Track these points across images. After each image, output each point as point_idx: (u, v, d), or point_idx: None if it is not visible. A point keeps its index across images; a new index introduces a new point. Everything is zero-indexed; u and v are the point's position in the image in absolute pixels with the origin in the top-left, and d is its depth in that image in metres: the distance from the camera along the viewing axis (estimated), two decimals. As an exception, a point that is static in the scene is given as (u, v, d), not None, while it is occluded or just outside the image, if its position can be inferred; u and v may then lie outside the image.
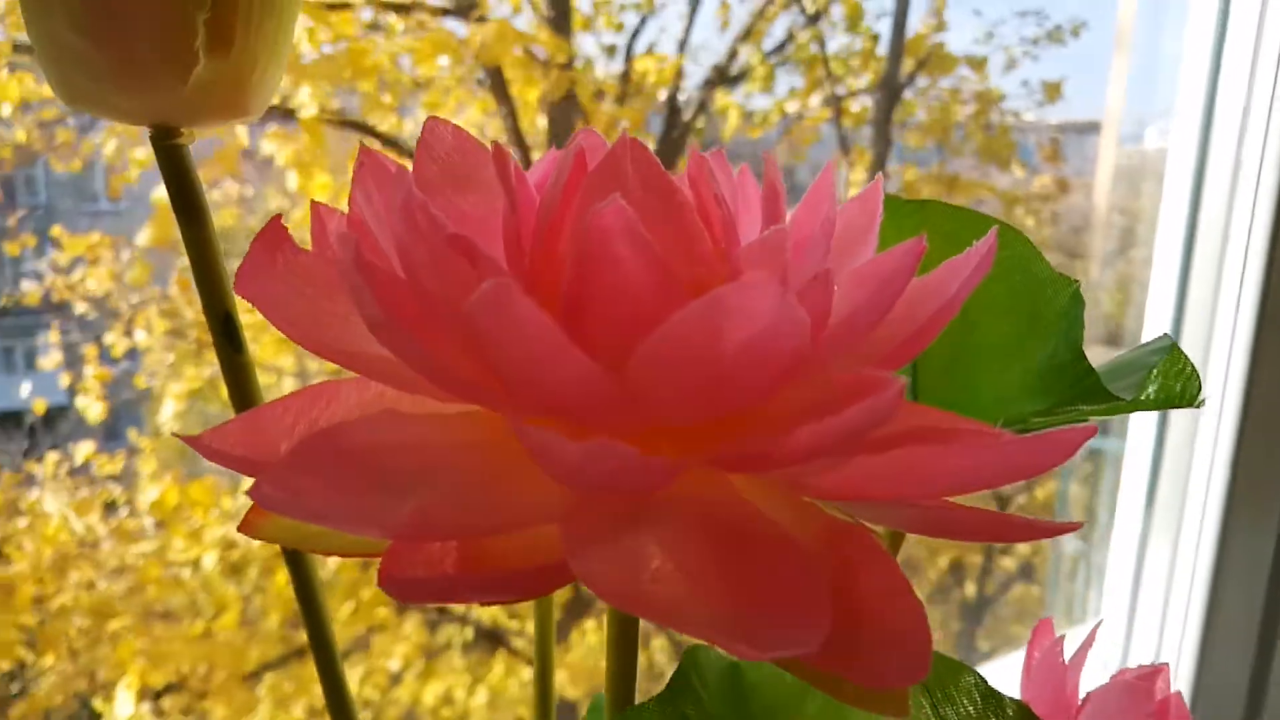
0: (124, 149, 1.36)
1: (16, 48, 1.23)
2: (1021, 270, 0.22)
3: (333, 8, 1.31)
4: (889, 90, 1.91)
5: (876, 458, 0.14)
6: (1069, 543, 1.19)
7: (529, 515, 0.14)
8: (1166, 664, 0.25)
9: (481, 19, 1.42)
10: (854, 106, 1.94)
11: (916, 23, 1.86)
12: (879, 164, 1.94)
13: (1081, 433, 0.14)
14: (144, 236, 1.48)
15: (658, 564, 0.13)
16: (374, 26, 1.42)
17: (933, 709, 0.21)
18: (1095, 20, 1.72)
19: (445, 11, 1.42)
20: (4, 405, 1.69)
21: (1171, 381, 0.22)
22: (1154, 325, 0.72)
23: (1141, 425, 0.74)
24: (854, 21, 1.81)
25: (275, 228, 0.17)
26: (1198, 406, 0.22)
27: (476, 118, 1.59)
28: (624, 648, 0.19)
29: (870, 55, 1.85)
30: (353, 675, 1.57)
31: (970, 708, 0.21)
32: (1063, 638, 0.24)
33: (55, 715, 1.35)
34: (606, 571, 0.13)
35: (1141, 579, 0.72)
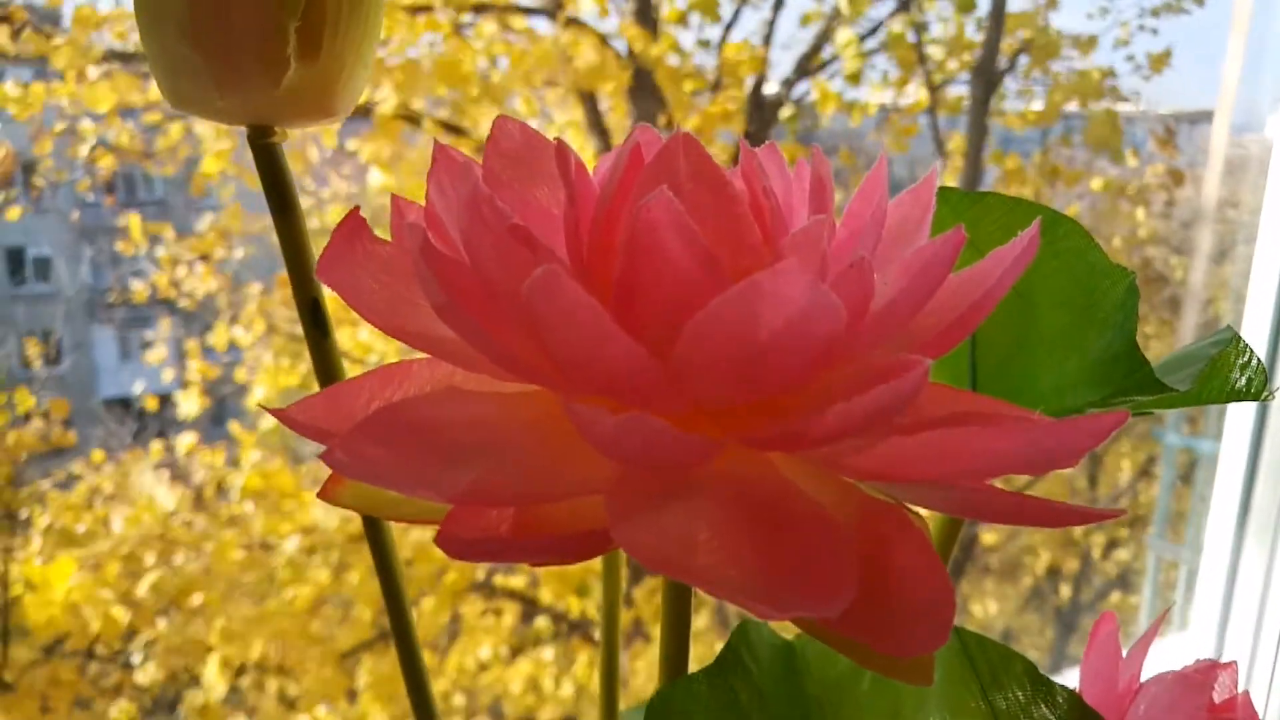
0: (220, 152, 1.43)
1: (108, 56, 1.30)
2: (1079, 261, 0.22)
3: (415, 10, 1.34)
4: (986, 77, 1.86)
5: (909, 439, 0.15)
6: (1166, 548, 1.15)
7: (578, 486, 0.15)
8: (1234, 661, 0.25)
9: (570, 21, 1.44)
10: (950, 94, 1.89)
11: (1019, 3, 1.78)
12: (975, 153, 1.90)
13: (1112, 419, 0.15)
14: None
15: (694, 533, 0.14)
16: (459, 27, 1.45)
17: (982, 695, 0.22)
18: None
19: (531, 11, 1.44)
20: (118, 392, 1.79)
21: (1236, 374, 0.22)
22: (1253, 325, 0.69)
23: (1237, 425, 0.72)
24: (956, 4, 1.75)
25: (354, 219, 0.18)
26: (1265, 400, 0.22)
27: (579, 115, 1.62)
28: (678, 620, 0.20)
29: (965, 42, 1.80)
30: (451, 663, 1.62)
31: (1020, 694, 0.22)
32: (1117, 628, 0.24)
33: (161, 690, 1.43)
34: (644, 538, 0.14)
35: (1235, 585, 0.70)
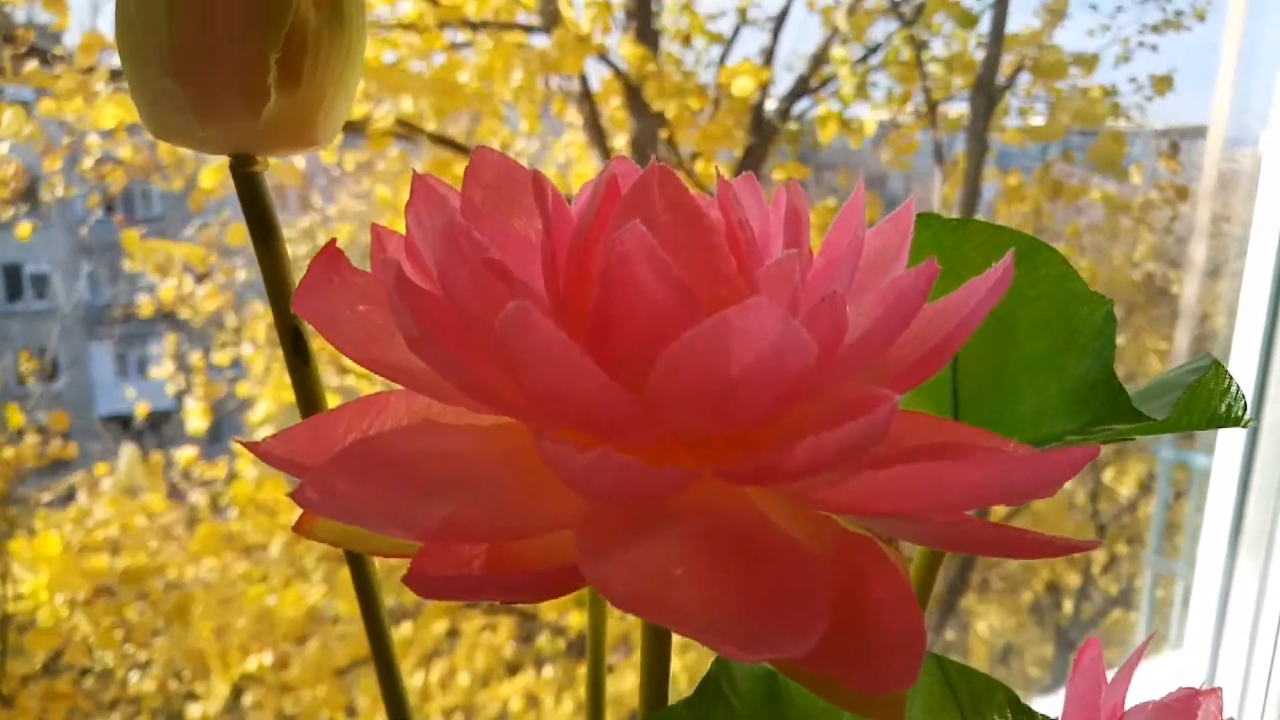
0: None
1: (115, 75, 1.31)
2: (1058, 288, 0.22)
3: (407, 28, 1.35)
4: (985, 94, 1.87)
5: (883, 473, 0.15)
6: (1163, 564, 1.14)
7: (550, 521, 0.15)
8: (1219, 688, 0.25)
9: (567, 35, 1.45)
10: (951, 112, 1.90)
11: (1021, 18, 1.78)
12: (975, 170, 1.90)
13: (1083, 453, 0.15)
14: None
15: (664, 569, 0.14)
16: (455, 46, 1.46)
17: (965, 722, 0.22)
18: (1217, 8, 1.63)
19: (529, 29, 1.45)
20: (114, 409, 1.80)
21: (1216, 401, 0.22)
22: (1244, 340, 0.69)
23: (1230, 440, 0.72)
24: (958, 21, 1.75)
25: (331, 251, 0.18)
26: (1244, 426, 0.22)
27: (582, 136, 1.63)
28: (657, 651, 0.20)
29: (967, 59, 1.81)
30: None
31: (1002, 722, 0.22)
32: (1100, 655, 0.24)
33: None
34: (614, 575, 0.14)
35: (1229, 601, 0.70)
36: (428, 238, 0.18)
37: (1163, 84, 1.71)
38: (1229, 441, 0.72)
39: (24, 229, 1.53)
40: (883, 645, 0.14)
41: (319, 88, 0.21)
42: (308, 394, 0.23)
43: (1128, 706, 0.24)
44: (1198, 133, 1.53)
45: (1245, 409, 0.22)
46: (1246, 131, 1.04)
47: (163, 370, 1.74)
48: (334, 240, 0.18)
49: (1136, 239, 1.93)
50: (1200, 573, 0.73)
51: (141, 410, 1.73)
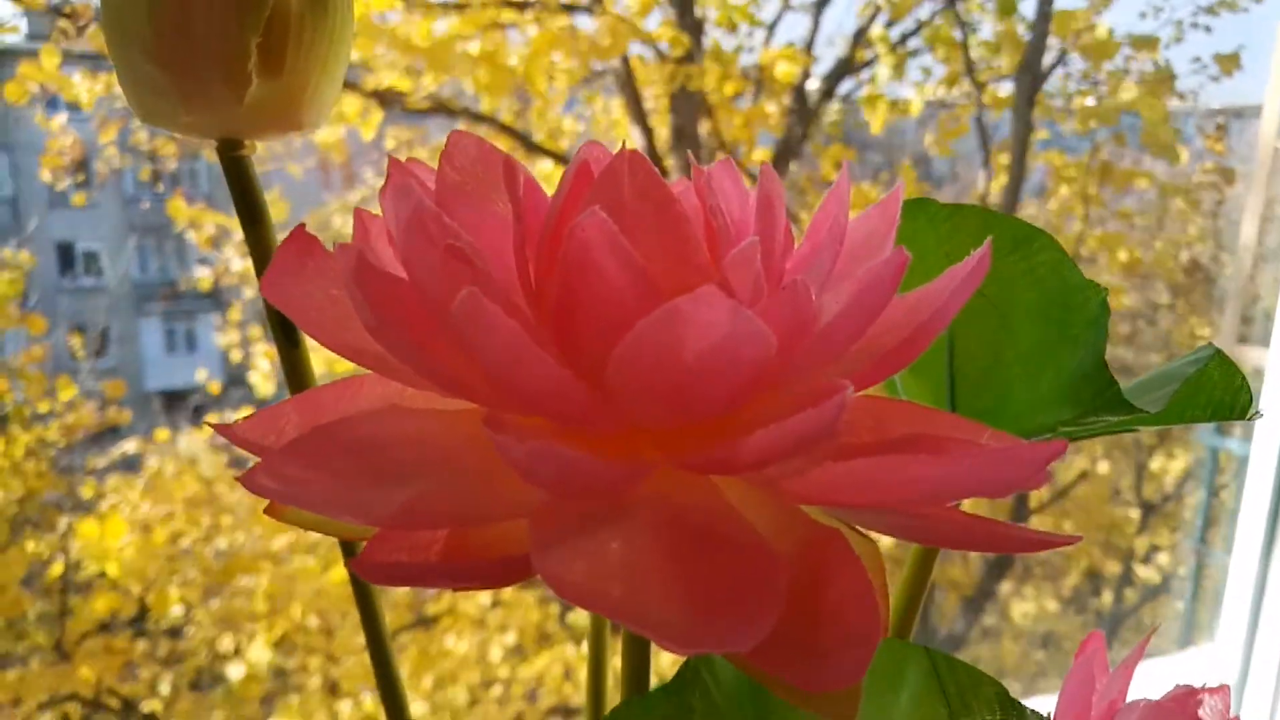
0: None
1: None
2: (1053, 276, 0.21)
3: (459, 8, 1.35)
4: (1031, 74, 1.83)
5: (848, 464, 0.15)
6: (1206, 553, 1.12)
7: (509, 508, 0.15)
8: (1226, 685, 0.24)
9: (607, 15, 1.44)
10: (1000, 91, 1.86)
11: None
12: (1019, 151, 1.87)
13: (1053, 449, 0.14)
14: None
15: (614, 561, 0.14)
16: (500, 25, 1.46)
17: (950, 718, 0.21)
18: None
19: (572, 8, 1.45)
20: (165, 384, 1.84)
21: (1220, 392, 0.21)
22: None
23: (1267, 425, 0.70)
24: (998, 5, 1.72)
25: (301, 235, 0.18)
26: (1250, 419, 0.21)
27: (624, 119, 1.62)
28: (637, 638, 0.20)
29: (1012, 39, 1.77)
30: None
31: (989, 719, 0.21)
32: (1101, 649, 0.23)
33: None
34: (564, 566, 0.14)
35: (1265, 592, 0.68)
36: (398, 222, 0.18)
37: (1229, 63, 1.66)
38: (1266, 426, 0.70)
39: (79, 199, 1.59)
40: (833, 642, 0.14)
41: (303, 73, 0.21)
42: (298, 377, 0.23)
43: (1127, 702, 0.24)
44: (1254, 112, 1.48)
45: (1251, 400, 0.21)
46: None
47: (225, 340, 1.78)
48: (303, 224, 0.18)
49: (1185, 221, 1.89)
50: (1236, 562, 0.71)
51: (214, 387, 1.77)
